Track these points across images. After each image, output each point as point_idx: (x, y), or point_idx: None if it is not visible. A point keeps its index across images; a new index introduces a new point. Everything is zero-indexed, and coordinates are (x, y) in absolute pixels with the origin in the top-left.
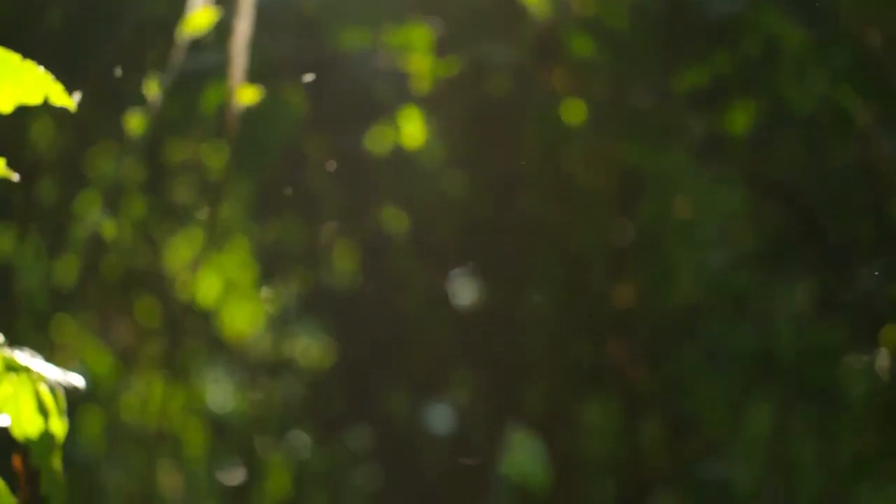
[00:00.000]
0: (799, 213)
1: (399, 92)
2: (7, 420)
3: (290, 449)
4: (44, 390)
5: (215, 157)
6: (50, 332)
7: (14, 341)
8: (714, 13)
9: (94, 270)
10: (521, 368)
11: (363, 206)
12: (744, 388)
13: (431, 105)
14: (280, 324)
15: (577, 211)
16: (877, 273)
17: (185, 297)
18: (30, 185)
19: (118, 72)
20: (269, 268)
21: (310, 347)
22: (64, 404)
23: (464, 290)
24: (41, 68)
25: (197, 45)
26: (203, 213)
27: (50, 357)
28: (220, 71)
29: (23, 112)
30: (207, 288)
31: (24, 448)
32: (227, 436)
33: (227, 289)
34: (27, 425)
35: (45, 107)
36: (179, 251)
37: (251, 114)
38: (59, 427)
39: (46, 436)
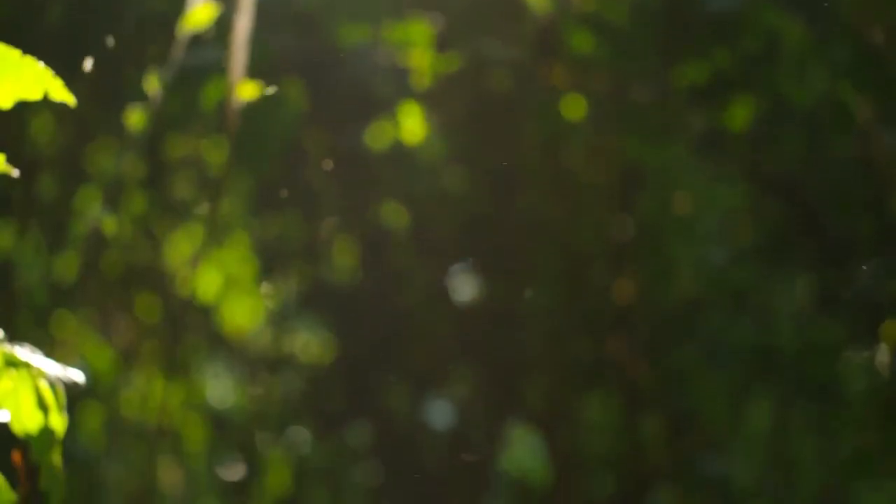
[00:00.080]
0: (799, 208)
1: (399, 88)
2: (7, 415)
3: (290, 444)
4: (44, 386)
5: (215, 153)
6: (50, 328)
7: (14, 337)
8: (714, 8)
9: (94, 266)
10: (521, 364)
11: (363, 202)
12: (744, 384)
13: (431, 101)
14: (280, 319)
15: (577, 206)
16: (877, 268)
17: (185, 292)
18: (30, 180)
19: (118, 68)
20: (270, 263)
21: (310, 343)
22: (64, 400)
23: (464, 286)
24: (41, 64)
25: (197, 40)
26: (203, 209)
27: (50, 353)
28: (220, 67)
29: (23, 108)
30: (207, 283)
31: (23, 443)
32: (227, 431)
33: (227, 284)
34: (27, 421)
35: (46, 102)
36: (179, 247)
37: (251, 110)
38: (58, 423)
39: (46, 431)
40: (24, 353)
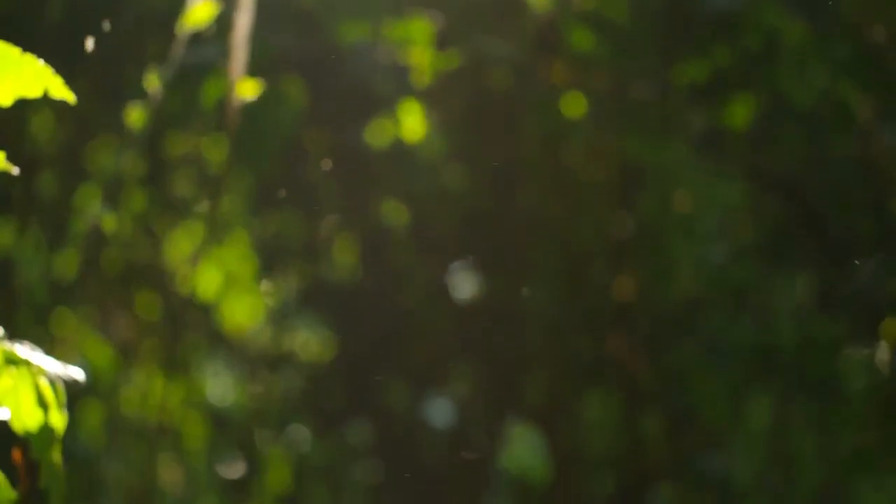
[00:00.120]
0: (799, 206)
1: (399, 85)
2: (7, 413)
3: (290, 442)
4: (44, 383)
5: (215, 151)
6: (50, 326)
7: (14, 335)
8: (714, 7)
9: (94, 264)
10: (521, 362)
11: (363, 200)
12: (744, 382)
13: (431, 98)
14: (280, 317)
15: (577, 204)
16: (877, 266)
17: (185, 290)
18: (30, 178)
19: (118, 65)
20: (269, 261)
21: (310, 341)
22: (64, 397)
23: (464, 284)
24: (41, 61)
25: (197, 38)
26: (203, 207)
27: (50, 350)
28: (220, 64)
29: (23, 105)
30: (207, 281)
31: (23, 441)
32: (226, 429)
33: (227, 282)
34: (27, 418)
35: (46, 100)
36: (179, 245)
37: (251, 107)
38: (58, 420)
39: (46, 429)
40: (24, 350)
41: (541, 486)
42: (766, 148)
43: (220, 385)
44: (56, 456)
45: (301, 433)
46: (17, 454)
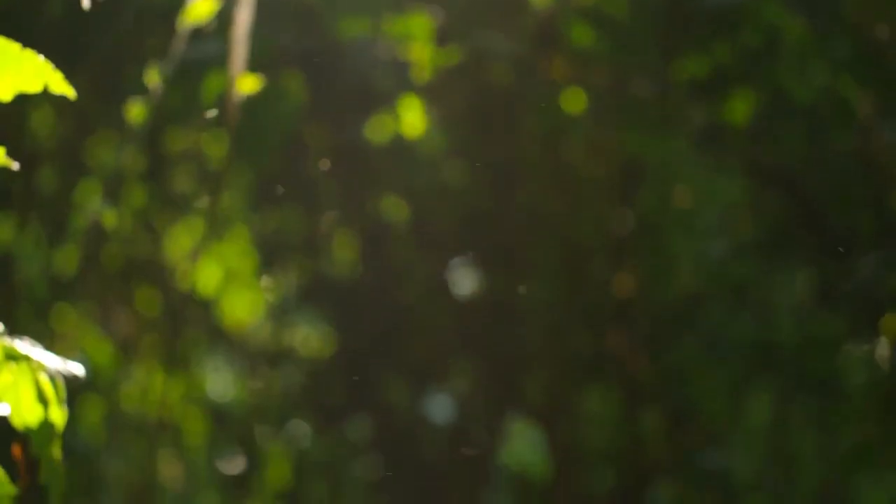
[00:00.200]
0: (799, 202)
1: (399, 81)
2: (7, 409)
3: (290, 438)
4: (44, 379)
5: (216, 147)
6: (50, 322)
7: (14, 330)
8: (714, 2)
9: (94, 260)
10: (521, 358)
11: (363, 196)
12: (744, 378)
13: (431, 94)
14: (280, 313)
15: (577, 200)
16: (876, 262)
17: (185, 286)
18: (30, 173)
19: (119, 61)
20: (269, 257)
21: (310, 337)
22: (64, 393)
23: (464, 280)
24: (41, 57)
25: (198, 34)
26: (203, 203)
27: (50, 346)
28: (220, 60)
29: (23, 101)
30: (207, 277)
31: (23, 437)
32: (227, 425)
33: (227, 278)
34: (27, 414)
35: (46, 95)
36: (180, 240)
37: (251, 103)
38: (58, 416)
39: (46, 425)
40: (24, 346)
41: (540, 483)
42: (766, 144)
43: (220, 381)
44: (56, 452)
45: (301, 429)
46: (17, 450)
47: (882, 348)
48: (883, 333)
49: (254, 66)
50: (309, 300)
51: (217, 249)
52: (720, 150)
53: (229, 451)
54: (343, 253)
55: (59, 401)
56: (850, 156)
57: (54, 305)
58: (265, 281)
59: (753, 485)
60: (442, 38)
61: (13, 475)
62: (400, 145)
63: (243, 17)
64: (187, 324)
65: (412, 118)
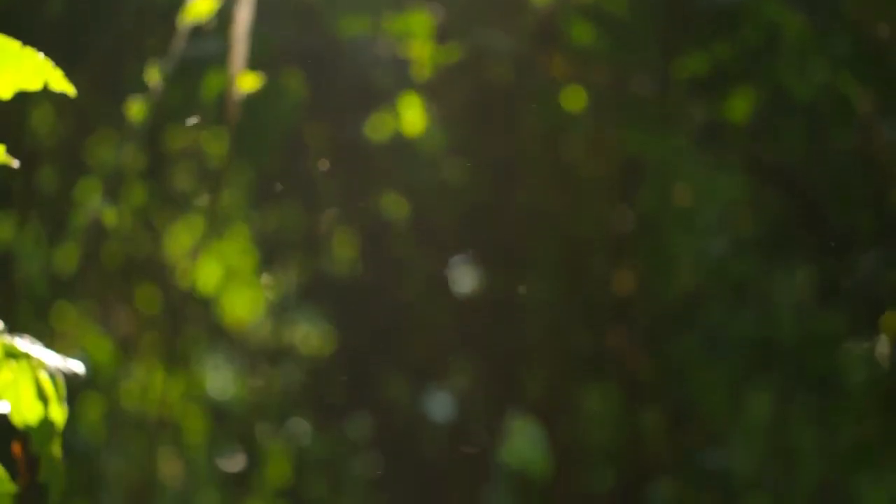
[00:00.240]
0: (799, 200)
1: (399, 79)
2: (7, 407)
3: (290, 436)
4: (44, 377)
5: (216, 145)
6: (50, 320)
7: (14, 328)
8: (714, 0)
9: (94, 258)
10: (521, 356)
11: (363, 194)
12: (744, 376)
13: (431, 92)
14: (280, 311)
15: (577, 198)
16: (877, 260)
17: (185, 284)
18: (30, 172)
19: (119, 59)
20: (270, 255)
21: (310, 335)
22: (64, 391)
23: (464, 278)
24: (41, 55)
25: (198, 32)
26: (203, 201)
27: (50, 344)
28: (220, 58)
29: (23, 99)
30: (207, 275)
31: (23, 435)
32: (227, 423)
33: (227, 276)
34: (27, 412)
35: (46, 93)
36: (180, 238)
37: (252, 101)
38: (58, 414)
39: (46, 423)
40: (24, 344)
41: (540, 480)
42: (766, 142)
43: (220, 379)
44: (56, 449)
45: (301, 427)
46: (16, 448)
47: (882, 346)
48: (883, 331)
49: (254, 64)
50: (309, 298)
51: (217, 247)
52: (720, 148)
53: (229, 448)
54: (343, 251)
55: (59, 399)
56: (851, 153)
57: (54, 303)
58: (265, 279)
59: (753, 483)
60: (442, 35)
61: (13, 473)
62: (400, 143)
63: (243, 16)
64: (187, 322)
65: (412, 116)
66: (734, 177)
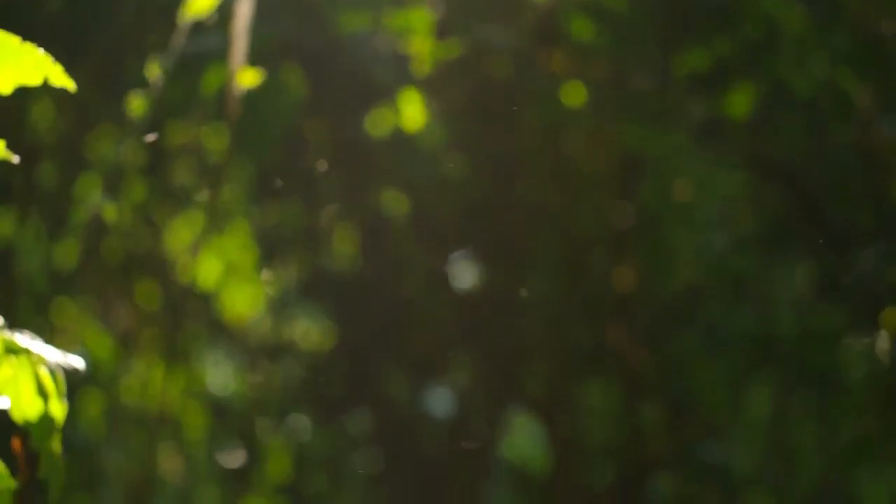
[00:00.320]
0: (799, 196)
1: (399, 75)
2: (7, 402)
3: (291, 432)
4: (44, 373)
5: (216, 140)
6: (50, 315)
7: (14, 324)
8: None
9: (94, 253)
10: (521, 351)
11: (363, 189)
12: (744, 371)
13: (432, 88)
14: (280, 307)
15: (577, 194)
16: (877, 256)
17: (185, 279)
18: (30, 167)
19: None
20: (270, 251)
21: (310, 330)
22: (64, 387)
23: (464, 273)
24: (41, 50)
25: (198, 27)
26: (203, 196)
27: (50, 340)
28: (221, 54)
29: (23, 94)
30: (208, 271)
31: (23, 431)
32: (227, 418)
33: (227, 272)
34: (27, 408)
35: (46, 89)
36: (180, 234)
37: (252, 97)
38: (58, 410)
39: (46, 418)
40: (24, 339)
41: (540, 476)
42: (765, 137)
43: (220, 374)
44: (56, 445)
45: (301, 423)
46: (16, 443)
47: (882, 341)
48: (883, 327)
49: (254, 59)
50: (309, 294)
51: (217, 243)
52: (720, 144)
53: (229, 444)
54: (343, 246)
55: (59, 394)
56: (850, 149)
57: (54, 299)
58: (265, 274)
59: (753, 478)
60: (442, 31)
61: (13, 469)
62: (400, 139)
63: (243, 11)
64: (187, 317)
65: (412, 112)
66: (734, 172)
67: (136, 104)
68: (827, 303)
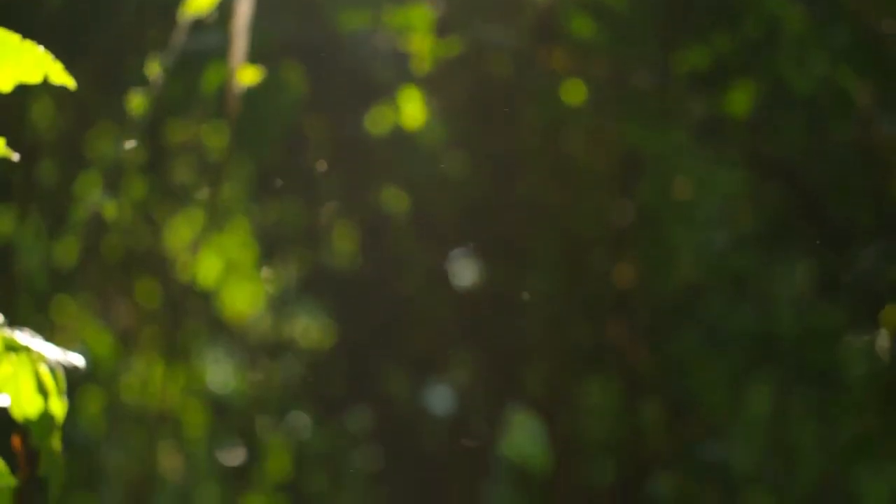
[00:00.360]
0: (799, 194)
1: (399, 73)
2: (7, 400)
3: (290, 430)
4: (44, 370)
5: (216, 138)
6: (50, 313)
7: (14, 321)
8: None
9: (94, 251)
10: (521, 349)
11: (363, 187)
12: (744, 370)
13: (431, 86)
14: (280, 304)
15: (577, 192)
16: (877, 254)
17: (185, 277)
18: (30, 165)
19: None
20: (270, 248)
21: (310, 328)
22: (64, 385)
23: (464, 271)
24: (41, 48)
25: (198, 25)
26: (203, 194)
27: (50, 337)
28: (221, 51)
29: (23, 92)
30: (208, 269)
31: (23, 428)
32: (227, 416)
33: (227, 269)
34: (27, 405)
35: (46, 87)
36: (180, 232)
37: (252, 94)
38: (58, 407)
39: (46, 416)
40: (24, 337)
41: (540, 474)
42: (765, 135)
43: (220, 372)
44: (56, 443)
45: (301, 420)
46: (16, 441)
47: (882, 340)
48: (883, 325)
49: (254, 57)
50: (309, 291)
51: (217, 241)
52: (720, 142)
53: (229, 442)
54: (343, 244)
55: (59, 392)
56: (850, 147)
57: (54, 297)
58: (265, 272)
59: (753, 476)
60: (442, 29)
61: (13, 467)
62: (400, 137)
63: (244, 9)
64: (187, 315)
65: (412, 110)
66: (734, 170)
67: (137, 102)
68: (827, 301)
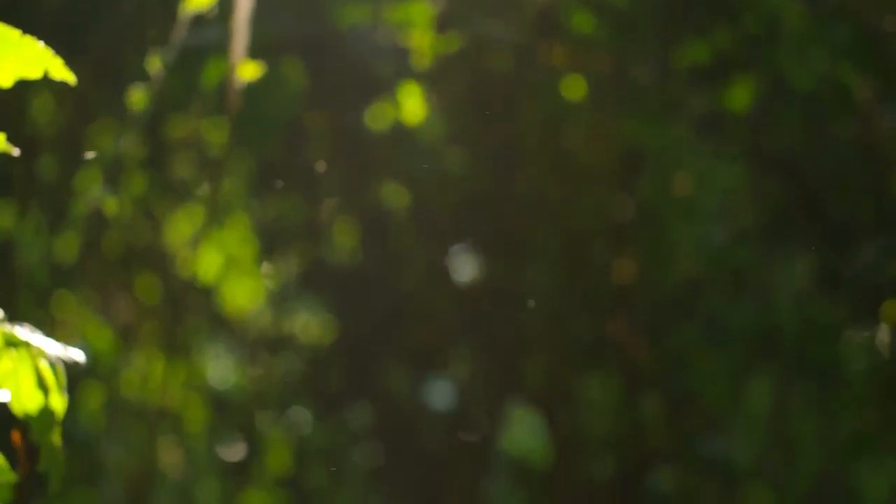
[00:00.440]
0: (799, 189)
1: (399, 68)
2: (7, 395)
3: (291, 425)
4: (44, 366)
5: (216, 133)
6: (50, 308)
7: (14, 317)
8: None
9: (94, 246)
10: (521, 344)
11: (363, 183)
12: (744, 364)
13: (432, 81)
14: (280, 300)
15: (577, 187)
16: (877, 249)
17: (185, 273)
18: (30, 160)
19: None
20: (270, 244)
21: (310, 323)
22: (64, 380)
23: (464, 266)
24: (41, 43)
25: (198, 20)
26: (204, 190)
27: (50, 333)
28: (221, 47)
29: (23, 87)
30: (208, 264)
31: (23, 424)
32: (227, 412)
33: (227, 265)
34: (27, 401)
35: (46, 82)
36: (180, 227)
37: (252, 90)
38: (58, 403)
39: (46, 412)
40: (24, 332)
41: (541, 469)
42: (766, 130)
43: (220, 368)
44: (56, 439)
45: (301, 416)
46: (16, 437)
47: (882, 334)
48: (883, 320)
49: (254, 53)
50: (309, 287)
51: (217, 236)
52: (720, 137)
53: (230, 437)
54: (343, 240)
55: (60, 387)
56: (850, 142)
57: (54, 292)
58: (265, 268)
59: (753, 471)
60: (442, 24)
61: (13, 462)
62: (400, 132)
63: (244, 4)
64: (188, 311)
65: (412, 105)
66: (734, 165)
67: (137, 97)
68: (827, 296)
